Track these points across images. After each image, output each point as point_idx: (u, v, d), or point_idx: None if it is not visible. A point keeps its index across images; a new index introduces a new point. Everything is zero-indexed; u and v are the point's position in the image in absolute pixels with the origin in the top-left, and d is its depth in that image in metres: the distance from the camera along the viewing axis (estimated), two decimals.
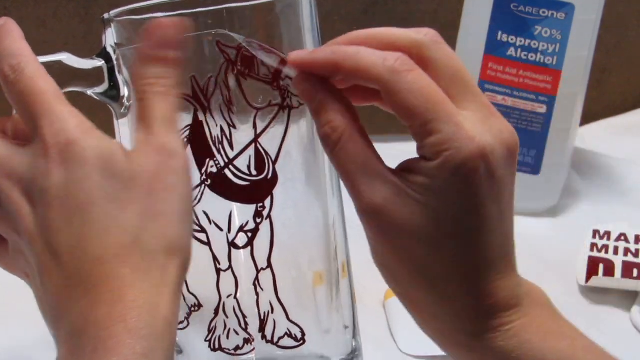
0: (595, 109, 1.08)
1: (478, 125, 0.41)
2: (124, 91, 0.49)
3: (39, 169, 0.42)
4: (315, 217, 0.51)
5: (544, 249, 0.79)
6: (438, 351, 0.62)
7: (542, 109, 0.83)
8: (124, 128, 0.50)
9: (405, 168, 0.42)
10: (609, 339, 0.66)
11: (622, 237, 0.77)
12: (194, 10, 0.46)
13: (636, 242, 0.76)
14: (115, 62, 0.48)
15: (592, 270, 0.72)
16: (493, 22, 0.82)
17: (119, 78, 0.48)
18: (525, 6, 0.80)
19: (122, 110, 0.49)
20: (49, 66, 0.45)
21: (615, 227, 0.78)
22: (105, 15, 0.48)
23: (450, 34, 0.61)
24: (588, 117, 1.01)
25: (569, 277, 0.73)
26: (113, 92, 0.48)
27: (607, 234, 0.77)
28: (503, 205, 0.42)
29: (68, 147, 0.41)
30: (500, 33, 0.82)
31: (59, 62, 0.46)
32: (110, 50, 0.48)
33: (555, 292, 0.72)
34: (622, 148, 1.01)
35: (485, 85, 0.83)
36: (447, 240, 0.42)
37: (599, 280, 0.72)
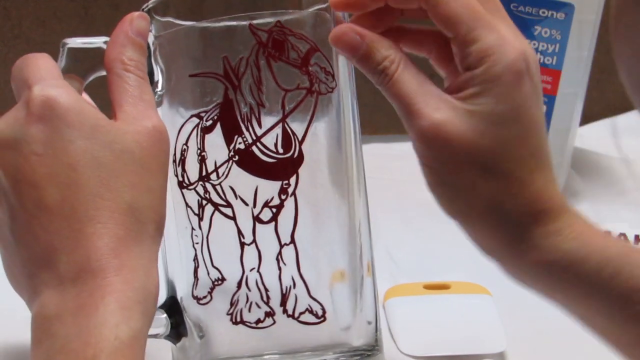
0: (595, 109, 1.07)
1: (513, 36, 0.44)
2: (159, 79, 0.51)
3: (17, 120, 0.42)
4: (341, 218, 0.52)
5: None
6: (438, 351, 0.62)
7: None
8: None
9: (454, 88, 0.45)
10: None
11: (622, 237, 0.76)
12: None
13: (636, 242, 0.76)
14: (152, 51, 0.50)
15: None
16: None
17: (155, 66, 0.50)
18: (525, 6, 0.80)
19: (155, 98, 0.51)
20: (88, 50, 0.47)
21: (615, 227, 0.78)
22: (145, 7, 0.50)
23: None
24: (588, 117, 1.01)
25: None
26: (149, 78, 0.50)
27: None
28: (539, 112, 0.45)
29: (49, 104, 0.42)
30: None
31: (100, 49, 0.48)
32: (150, 38, 0.50)
33: None
34: (622, 148, 1.00)
35: None
36: (504, 142, 0.44)
37: None
